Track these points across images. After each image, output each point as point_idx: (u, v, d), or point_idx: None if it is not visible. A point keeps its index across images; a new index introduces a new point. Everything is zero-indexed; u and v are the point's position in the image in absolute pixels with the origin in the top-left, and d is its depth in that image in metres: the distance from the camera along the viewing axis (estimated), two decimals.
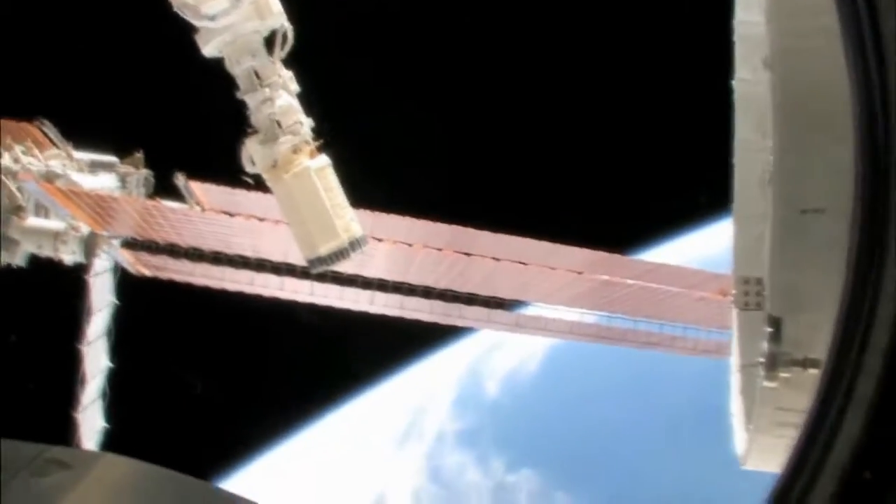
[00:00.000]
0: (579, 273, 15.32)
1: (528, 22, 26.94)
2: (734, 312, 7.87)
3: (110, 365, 18.16)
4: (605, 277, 15.43)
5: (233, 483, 31.24)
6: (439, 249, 14.53)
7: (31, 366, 19.86)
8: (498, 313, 15.79)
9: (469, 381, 43.64)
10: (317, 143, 9.63)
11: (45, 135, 16.40)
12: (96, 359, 17.57)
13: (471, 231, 15.45)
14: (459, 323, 15.99)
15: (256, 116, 9.48)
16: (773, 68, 5.87)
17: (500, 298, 15.50)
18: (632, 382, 38.05)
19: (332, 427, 38.12)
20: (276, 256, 14.44)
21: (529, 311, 16.59)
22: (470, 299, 15.27)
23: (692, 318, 16.14)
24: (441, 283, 14.97)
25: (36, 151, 15.68)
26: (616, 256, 16.44)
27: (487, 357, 43.25)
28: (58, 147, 16.53)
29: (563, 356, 39.84)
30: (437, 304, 15.23)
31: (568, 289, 15.53)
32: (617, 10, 26.22)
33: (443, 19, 24.97)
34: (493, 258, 14.69)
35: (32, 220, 14.82)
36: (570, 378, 41.30)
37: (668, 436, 37.34)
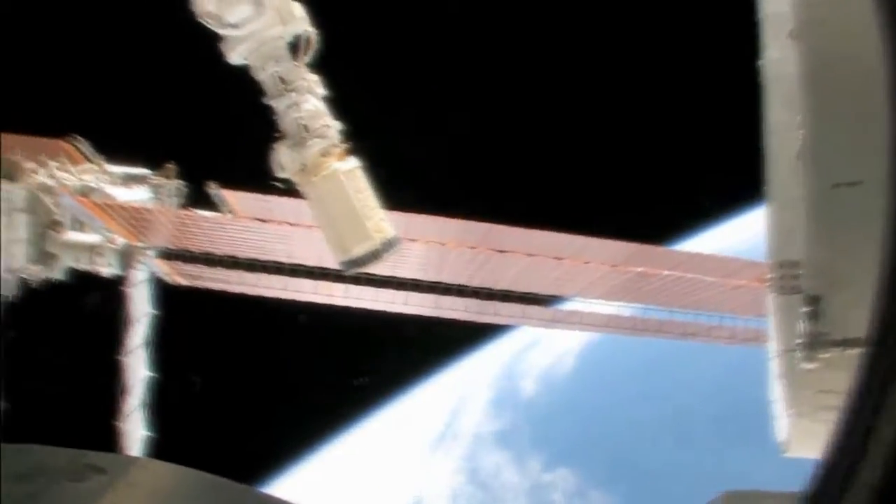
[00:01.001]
0: (614, 266, 15.23)
1: (551, 10, 26.82)
2: (771, 297, 7.75)
3: (150, 374, 18.36)
4: (640, 269, 15.31)
5: (273, 488, 31.43)
6: (473, 247, 14.48)
7: (74, 377, 20.10)
8: (533, 309, 15.76)
9: (505, 381, 43.59)
10: (346, 146, 9.60)
11: (79, 150, 16.62)
12: (136, 369, 17.75)
13: (504, 227, 15.39)
14: (495, 320, 15.96)
15: (284, 121, 9.46)
16: (800, 38, 5.73)
17: (536, 294, 15.44)
18: (669, 376, 37.78)
19: (370, 430, 38.23)
20: (310, 260, 14.46)
21: (565, 306, 16.54)
22: (505, 296, 15.22)
23: (729, 307, 16.00)
24: (475, 281, 14.92)
25: (70, 167, 15.88)
26: (650, 247, 16.36)
27: (523, 356, 43.18)
28: (91, 162, 16.75)
29: (599, 352, 39.69)
30: (473, 303, 15.19)
31: (603, 282, 15.44)
32: None
33: (465, 16, 24.91)
34: (527, 254, 14.63)
35: (70, 235, 15.01)
36: (606, 374, 41.09)
37: (708, 430, 37.01)
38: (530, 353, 42.97)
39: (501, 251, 14.49)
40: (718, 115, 24.14)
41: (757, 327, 15.10)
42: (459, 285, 14.95)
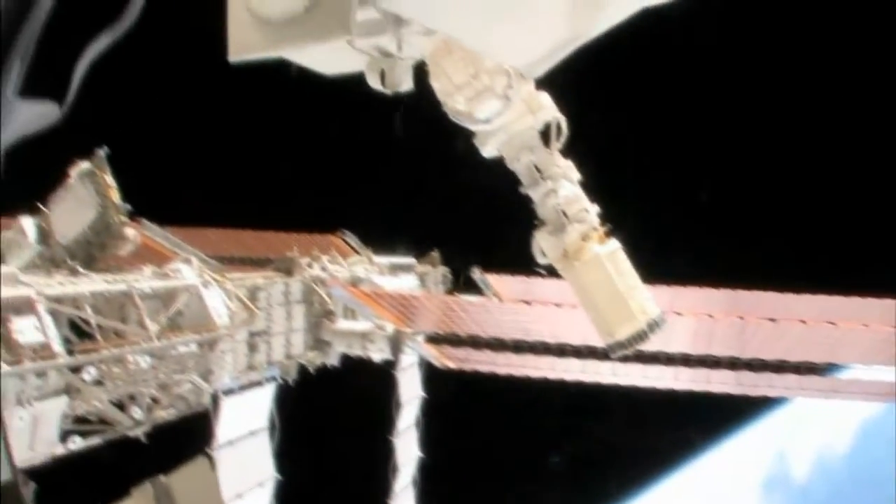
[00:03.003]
0: None
1: (799, 58, 25.60)
2: None
3: (420, 455, 18.95)
4: None
5: None
6: (741, 317, 13.92)
7: (348, 456, 21.01)
8: (810, 379, 14.84)
9: (775, 463, 40.89)
10: (605, 228, 9.60)
11: (347, 243, 17.79)
12: (407, 449, 18.40)
13: (773, 294, 14.77)
14: (769, 393, 15.20)
15: (542, 208, 9.59)
16: None
17: (812, 363, 14.57)
18: None
19: None
20: (575, 340, 14.42)
21: (844, 374, 15.51)
22: (779, 367, 14.48)
23: None
24: (747, 352, 14.30)
25: (340, 259, 16.92)
26: None
27: (793, 434, 40.29)
28: (359, 254, 17.81)
29: (883, 426, 36.37)
30: (745, 375, 14.54)
31: (885, 346, 14.35)
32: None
33: (695, 83, 24.28)
34: (800, 320, 13.89)
35: (342, 323, 15.93)
36: (889, 456, 37.46)
37: None
38: (800, 433, 40.09)
39: (772, 319, 13.85)
40: None
41: None
42: (731, 357, 14.39)
